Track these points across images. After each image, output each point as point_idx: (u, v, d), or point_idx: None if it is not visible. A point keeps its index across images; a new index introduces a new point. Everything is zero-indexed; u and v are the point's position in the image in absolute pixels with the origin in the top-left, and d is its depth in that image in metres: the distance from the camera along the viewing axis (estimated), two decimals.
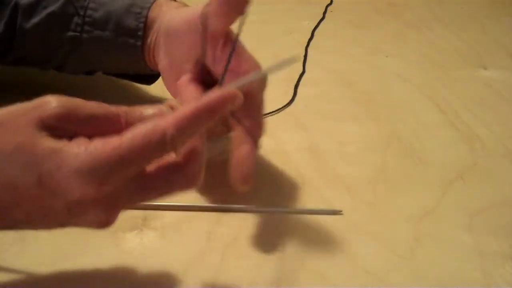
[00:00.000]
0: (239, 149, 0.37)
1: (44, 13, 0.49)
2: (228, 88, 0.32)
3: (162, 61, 0.44)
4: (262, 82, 0.40)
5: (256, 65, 0.40)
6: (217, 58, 0.39)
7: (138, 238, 0.38)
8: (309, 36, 0.41)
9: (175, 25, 0.42)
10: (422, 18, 0.76)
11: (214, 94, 0.30)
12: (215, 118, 0.30)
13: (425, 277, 0.35)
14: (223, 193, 0.43)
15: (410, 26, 0.74)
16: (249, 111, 0.38)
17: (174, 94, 0.43)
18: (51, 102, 0.29)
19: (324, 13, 0.45)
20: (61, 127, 0.29)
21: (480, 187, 0.44)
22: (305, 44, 0.41)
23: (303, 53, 0.42)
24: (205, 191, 0.43)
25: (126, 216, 0.40)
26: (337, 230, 0.39)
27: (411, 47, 0.68)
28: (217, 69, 0.40)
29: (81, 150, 0.28)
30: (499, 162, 0.47)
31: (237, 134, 0.38)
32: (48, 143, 0.28)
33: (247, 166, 0.37)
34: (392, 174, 0.45)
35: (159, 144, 0.29)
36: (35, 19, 0.49)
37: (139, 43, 0.45)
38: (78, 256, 0.37)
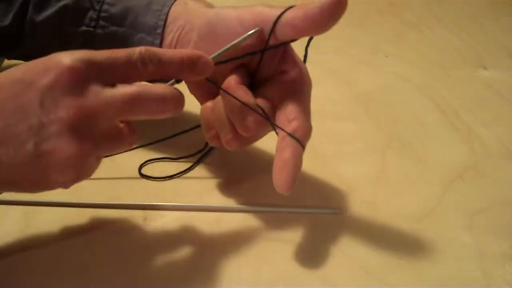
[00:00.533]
0: (283, 152, 0.36)
1: (57, 6, 0.47)
2: (216, 53, 0.36)
3: None
4: (308, 81, 0.39)
5: (302, 73, 0.39)
6: (267, 64, 0.39)
7: (138, 238, 0.38)
8: (309, 36, 0.41)
9: (225, 22, 0.39)
10: (422, 18, 0.76)
11: (195, 51, 0.34)
12: (187, 66, 0.34)
13: (425, 277, 0.35)
14: (223, 193, 0.43)
15: (410, 26, 0.74)
16: (296, 113, 0.38)
17: (200, 96, 0.42)
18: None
19: None
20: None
21: (480, 187, 0.44)
22: (305, 44, 0.41)
23: (303, 53, 0.42)
24: (205, 191, 0.43)
25: (126, 216, 0.40)
26: (337, 230, 0.39)
27: (411, 47, 0.68)
28: (263, 73, 0.39)
29: None
30: (499, 162, 0.47)
31: (281, 136, 0.37)
32: None
33: (289, 170, 0.36)
34: (392, 174, 0.45)
35: (129, 51, 0.32)
36: (47, 12, 0.48)
37: (157, 41, 0.44)
38: (78, 256, 0.37)
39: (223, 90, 0.37)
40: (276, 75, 0.39)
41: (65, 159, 0.30)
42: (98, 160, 0.33)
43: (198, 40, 0.40)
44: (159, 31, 0.44)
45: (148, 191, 0.43)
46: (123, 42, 0.45)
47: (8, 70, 0.31)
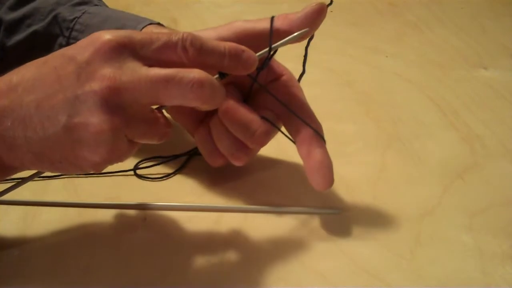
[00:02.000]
0: (313, 154, 0.38)
1: (28, 31, 0.48)
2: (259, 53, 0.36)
3: None
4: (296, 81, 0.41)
5: (291, 74, 0.41)
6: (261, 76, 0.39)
7: (138, 238, 0.38)
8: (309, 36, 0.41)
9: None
10: (422, 18, 0.76)
11: (241, 46, 0.34)
12: (230, 58, 0.33)
13: (425, 277, 0.35)
14: (223, 193, 0.43)
15: (410, 26, 0.74)
16: (306, 113, 0.39)
17: (187, 123, 0.42)
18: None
19: None
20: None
21: (480, 187, 0.44)
22: (305, 44, 0.41)
23: (303, 53, 0.42)
24: (205, 191, 0.43)
25: (126, 216, 0.40)
26: (337, 230, 0.39)
27: (411, 47, 0.68)
28: (256, 86, 0.40)
29: None
30: (499, 162, 0.47)
31: (301, 139, 0.38)
32: None
33: (328, 168, 0.37)
34: (392, 174, 0.45)
35: (172, 33, 0.32)
36: (18, 37, 0.48)
37: None
38: (78, 256, 0.37)
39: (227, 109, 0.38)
40: (269, 84, 0.40)
41: (95, 134, 0.30)
42: (131, 145, 0.33)
43: None
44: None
45: (148, 191, 0.43)
46: None
47: (59, 50, 0.33)
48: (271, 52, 0.38)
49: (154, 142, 0.34)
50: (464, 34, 0.71)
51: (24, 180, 0.37)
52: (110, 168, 0.44)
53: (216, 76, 0.35)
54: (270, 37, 0.37)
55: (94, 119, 0.30)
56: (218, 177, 0.45)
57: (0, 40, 0.48)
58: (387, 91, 0.58)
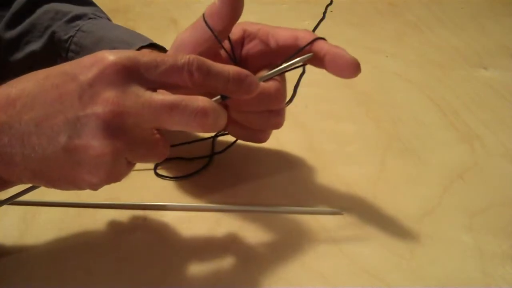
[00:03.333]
0: (334, 51, 0.38)
1: (26, 50, 0.48)
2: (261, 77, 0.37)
3: None
4: None
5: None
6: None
7: (138, 238, 0.38)
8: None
9: (178, 43, 0.40)
10: (422, 18, 0.76)
11: (244, 70, 0.34)
12: (229, 81, 0.33)
13: (425, 277, 0.35)
14: (223, 193, 0.43)
15: (410, 26, 0.74)
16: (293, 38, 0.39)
17: None
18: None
19: (324, 13, 0.45)
20: None
21: (480, 187, 0.44)
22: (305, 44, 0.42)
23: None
24: (205, 191, 0.43)
25: (126, 216, 0.40)
26: (337, 230, 0.39)
27: (411, 47, 0.68)
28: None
29: None
30: (499, 162, 0.47)
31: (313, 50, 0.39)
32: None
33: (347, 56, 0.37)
34: (392, 174, 0.45)
35: (177, 57, 0.32)
36: (18, 55, 0.49)
37: None
38: (78, 256, 0.37)
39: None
40: (247, 45, 0.41)
41: (95, 157, 0.30)
42: (129, 166, 0.33)
43: None
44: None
45: (148, 191, 0.43)
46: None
47: (60, 64, 0.32)
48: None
49: (152, 162, 0.34)
50: (464, 34, 0.71)
51: (18, 194, 0.36)
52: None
53: (218, 97, 0.35)
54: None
55: (95, 142, 0.30)
56: (219, 177, 0.45)
57: (3, 57, 0.49)
58: (387, 91, 0.58)
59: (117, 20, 0.56)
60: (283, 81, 0.40)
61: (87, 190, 0.41)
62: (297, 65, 0.38)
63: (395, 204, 0.42)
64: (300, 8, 0.78)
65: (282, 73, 0.39)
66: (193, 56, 0.32)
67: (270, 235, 0.39)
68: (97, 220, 0.40)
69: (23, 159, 0.31)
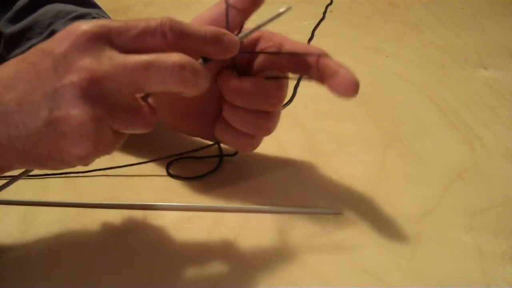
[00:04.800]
0: (337, 72, 0.37)
1: (27, 45, 0.48)
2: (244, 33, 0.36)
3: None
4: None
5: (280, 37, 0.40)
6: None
7: (138, 238, 0.38)
8: (309, 36, 0.41)
9: (198, 19, 0.39)
10: (422, 18, 0.76)
11: (224, 30, 0.33)
12: (210, 40, 0.33)
13: (425, 277, 0.35)
14: (223, 193, 0.43)
15: (410, 26, 0.74)
16: (302, 48, 0.39)
17: (207, 134, 0.43)
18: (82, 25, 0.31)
19: (324, 13, 0.45)
20: None
21: (480, 187, 0.44)
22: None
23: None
24: (205, 191, 0.43)
25: (126, 216, 0.40)
26: (337, 230, 0.39)
27: (411, 47, 0.68)
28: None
29: None
30: (499, 162, 0.47)
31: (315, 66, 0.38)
32: None
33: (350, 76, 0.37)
34: (392, 174, 0.45)
35: (150, 19, 0.31)
36: (18, 51, 0.48)
37: None
38: (78, 256, 0.37)
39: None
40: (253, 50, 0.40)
41: (77, 126, 0.30)
42: (117, 136, 0.32)
43: None
44: None
45: (148, 191, 0.43)
46: None
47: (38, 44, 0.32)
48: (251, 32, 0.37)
49: (139, 131, 0.33)
50: (464, 34, 0.71)
51: (13, 179, 0.36)
52: (112, 169, 0.44)
53: (200, 61, 0.34)
54: (227, 18, 0.37)
55: (75, 111, 0.30)
56: (218, 177, 0.45)
57: (1, 54, 0.48)
58: (387, 91, 0.58)
59: None
60: (285, 83, 0.40)
61: (87, 190, 0.41)
62: (277, 17, 0.37)
63: (395, 204, 0.42)
64: (300, 8, 0.78)
65: (261, 27, 0.38)
66: (166, 17, 0.32)
67: (270, 235, 0.39)
68: (97, 220, 0.40)
69: (8, 140, 0.31)
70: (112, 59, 0.31)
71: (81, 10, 0.52)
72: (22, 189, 0.37)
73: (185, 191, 0.43)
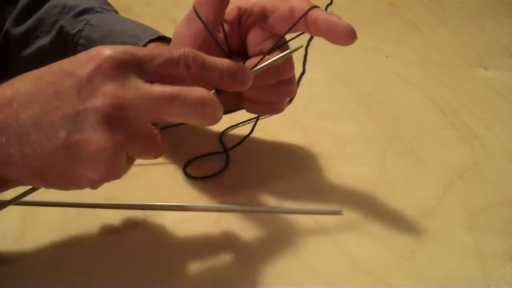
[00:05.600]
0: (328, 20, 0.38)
1: (36, 45, 0.48)
2: (253, 70, 0.37)
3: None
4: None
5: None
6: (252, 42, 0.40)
7: (138, 238, 0.38)
8: (309, 36, 0.41)
9: (176, 38, 0.41)
10: (422, 18, 0.76)
11: (238, 63, 0.34)
12: (224, 74, 0.33)
13: (425, 277, 0.35)
14: (223, 193, 0.43)
15: (410, 26, 0.74)
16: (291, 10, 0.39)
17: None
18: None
19: None
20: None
21: (480, 187, 0.44)
22: (305, 44, 0.41)
23: (303, 53, 0.42)
24: (204, 191, 0.43)
25: (126, 216, 0.40)
26: (337, 230, 0.39)
27: (411, 47, 0.68)
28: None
29: None
30: (499, 162, 0.47)
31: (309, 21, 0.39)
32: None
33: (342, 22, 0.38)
34: (392, 174, 0.45)
35: (173, 50, 0.32)
36: (27, 51, 0.49)
37: None
38: (78, 256, 0.37)
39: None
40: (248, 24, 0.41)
41: (96, 151, 0.30)
42: (129, 162, 0.33)
43: None
44: None
45: (148, 191, 0.43)
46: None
47: (54, 63, 0.32)
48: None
49: (150, 158, 0.33)
50: (464, 34, 0.71)
51: (18, 197, 0.35)
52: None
53: (213, 91, 0.35)
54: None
55: (96, 136, 0.30)
56: (218, 177, 0.45)
57: (12, 53, 0.49)
58: (387, 91, 0.58)
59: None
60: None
61: (87, 190, 0.41)
62: (287, 55, 0.38)
63: (395, 204, 0.42)
64: None
65: (273, 63, 0.38)
66: (188, 49, 0.32)
67: (270, 235, 0.39)
68: (97, 220, 0.40)
69: (22, 158, 0.30)
70: (137, 88, 0.31)
71: (84, 3, 0.52)
72: (22, 189, 0.37)
73: (185, 191, 0.43)
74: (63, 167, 0.31)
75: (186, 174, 0.45)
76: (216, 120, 0.33)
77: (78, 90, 0.30)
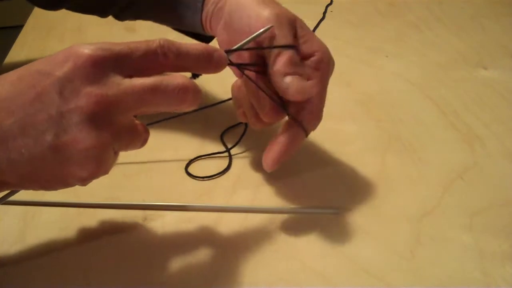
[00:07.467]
0: (283, 134, 0.39)
1: None
2: (237, 45, 0.37)
3: (220, 35, 0.44)
4: (329, 61, 0.41)
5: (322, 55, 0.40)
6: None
7: (138, 238, 0.38)
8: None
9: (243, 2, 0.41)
10: (422, 18, 0.76)
11: (212, 46, 0.34)
12: (203, 59, 0.34)
13: (425, 277, 0.35)
14: (224, 193, 0.43)
15: (410, 26, 0.74)
16: (308, 102, 0.40)
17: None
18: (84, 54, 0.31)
19: (324, 13, 0.45)
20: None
21: (480, 187, 0.44)
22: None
23: None
24: (205, 191, 0.43)
25: (126, 216, 0.40)
26: (337, 230, 0.39)
27: (411, 47, 0.68)
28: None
29: None
30: (499, 162, 0.47)
31: (289, 121, 0.40)
32: None
33: (278, 150, 0.39)
34: (392, 174, 0.45)
35: (149, 41, 0.32)
36: None
37: (197, 17, 0.46)
38: (78, 256, 0.37)
39: (247, 77, 0.39)
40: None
41: (85, 150, 0.30)
42: (116, 155, 0.33)
43: (225, 19, 0.42)
44: (199, 4, 0.45)
45: (148, 191, 0.43)
46: (166, 9, 0.48)
47: (30, 63, 0.31)
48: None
49: (134, 149, 0.34)
50: (464, 34, 0.71)
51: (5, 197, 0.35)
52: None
53: (190, 77, 0.35)
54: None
55: (83, 135, 0.30)
56: (218, 177, 0.45)
57: None
58: (387, 91, 0.58)
59: (117, 21, 0.56)
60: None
61: (87, 190, 0.41)
62: (258, 35, 0.38)
63: (395, 204, 0.42)
64: (300, 8, 0.78)
65: (248, 43, 0.38)
66: (163, 39, 0.33)
67: (270, 235, 0.39)
68: (97, 220, 0.40)
69: (9, 164, 0.30)
70: (118, 84, 0.31)
71: None
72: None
73: (185, 191, 0.43)
74: (52, 168, 0.31)
75: (188, 173, 0.45)
76: (197, 104, 0.33)
77: (60, 91, 0.30)
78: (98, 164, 0.31)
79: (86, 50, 0.30)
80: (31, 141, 0.30)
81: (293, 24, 0.40)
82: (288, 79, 0.38)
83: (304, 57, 0.39)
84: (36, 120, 0.30)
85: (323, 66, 0.40)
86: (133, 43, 0.32)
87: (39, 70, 0.31)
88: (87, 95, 0.30)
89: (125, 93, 0.31)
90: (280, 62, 0.38)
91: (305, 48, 0.39)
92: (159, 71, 0.33)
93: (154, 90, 0.31)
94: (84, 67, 0.30)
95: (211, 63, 0.34)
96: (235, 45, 0.38)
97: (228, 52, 0.37)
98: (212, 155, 0.47)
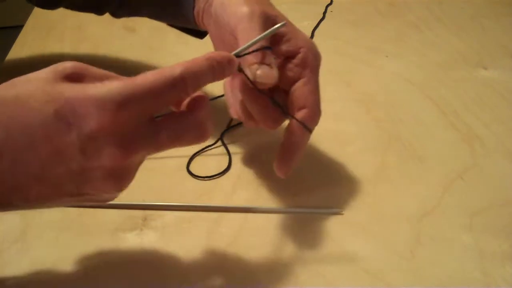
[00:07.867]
0: (288, 139, 0.39)
1: None
2: (241, 48, 0.36)
3: (212, 31, 0.44)
4: (316, 57, 0.41)
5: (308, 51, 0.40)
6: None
7: (138, 238, 0.38)
8: (309, 36, 0.41)
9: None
10: (422, 18, 0.76)
11: (221, 53, 0.33)
12: (218, 72, 0.33)
13: (425, 277, 0.35)
14: (224, 193, 0.43)
15: (410, 26, 0.74)
16: (304, 99, 0.40)
17: None
18: (66, 62, 0.31)
19: (324, 13, 0.45)
20: (78, 78, 0.30)
21: (480, 187, 0.44)
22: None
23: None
24: (205, 191, 0.43)
25: (126, 216, 0.40)
26: (337, 230, 0.39)
27: (411, 47, 0.68)
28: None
29: (98, 83, 0.29)
30: (499, 162, 0.47)
31: (291, 122, 0.39)
32: (66, 83, 0.29)
33: (288, 156, 0.39)
34: (392, 174, 0.45)
35: (169, 79, 0.30)
36: None
37: (190, 13, 0.46)
38: (78, 256, 0.37)
39: (257, 90, 0.38)
40: (284, 61, 0.40)
41: (106, 197, 0.32)
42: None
43: (215, 14, 0.42)
44: (191, 0, 0.45)
45: (148, 191, 0.43)
46: (161, 6, 0.49)
47: (42, 96, 0.29)
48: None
49: None
50: (464, 34, 0.71)
51: None
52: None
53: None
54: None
55: (105, 186, 0.30)
56: (218, 177, 0.45)
57: None
58: (387, 91, 0.58)
59: (117, 20, 0.56)
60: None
61: None
62: (270, 33, 0.37)
63: (395, 204, 0.42)
64: (300, 8, 0.78)
65: (257, 42, 0.37)
66: (183, 72, 0.30)
67: (270, 235, 0.39)
68: (97, 220, 0.40)
69: (24, 203, 0.30)
70: (142, 137, 0.30)
71: None
72: None
73: (185, 191, 0.43)
74: (70, 201, 0.32)
75: (189, 172, 0.45)
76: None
77: (82, 149, 0.28)
78: (116, 195, 0.33)
79: (110, 105, 0.28)
80: (50, 189, 0.30)
81: (271, 20, 0.39)
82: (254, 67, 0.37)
83: (290, 55, 0.39)
84: (55, 172, 0.29)
85: (310, 62, 0.40)
86: (153, 82, 0.30)
87: (58, 118, 0.28)
88: (111, 155, 0.29)
89: (149, 146, 0.31)
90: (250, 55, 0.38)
91: (289, 46, 0.39)
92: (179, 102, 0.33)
93: (176, 141, 0.31)
94: (107, 127, 0.28)
95: (224, 74, 0.34)
96: (229, 42, 0.38)
97: (235, 53, 0.36)
98: (209, 147, 0.47)
